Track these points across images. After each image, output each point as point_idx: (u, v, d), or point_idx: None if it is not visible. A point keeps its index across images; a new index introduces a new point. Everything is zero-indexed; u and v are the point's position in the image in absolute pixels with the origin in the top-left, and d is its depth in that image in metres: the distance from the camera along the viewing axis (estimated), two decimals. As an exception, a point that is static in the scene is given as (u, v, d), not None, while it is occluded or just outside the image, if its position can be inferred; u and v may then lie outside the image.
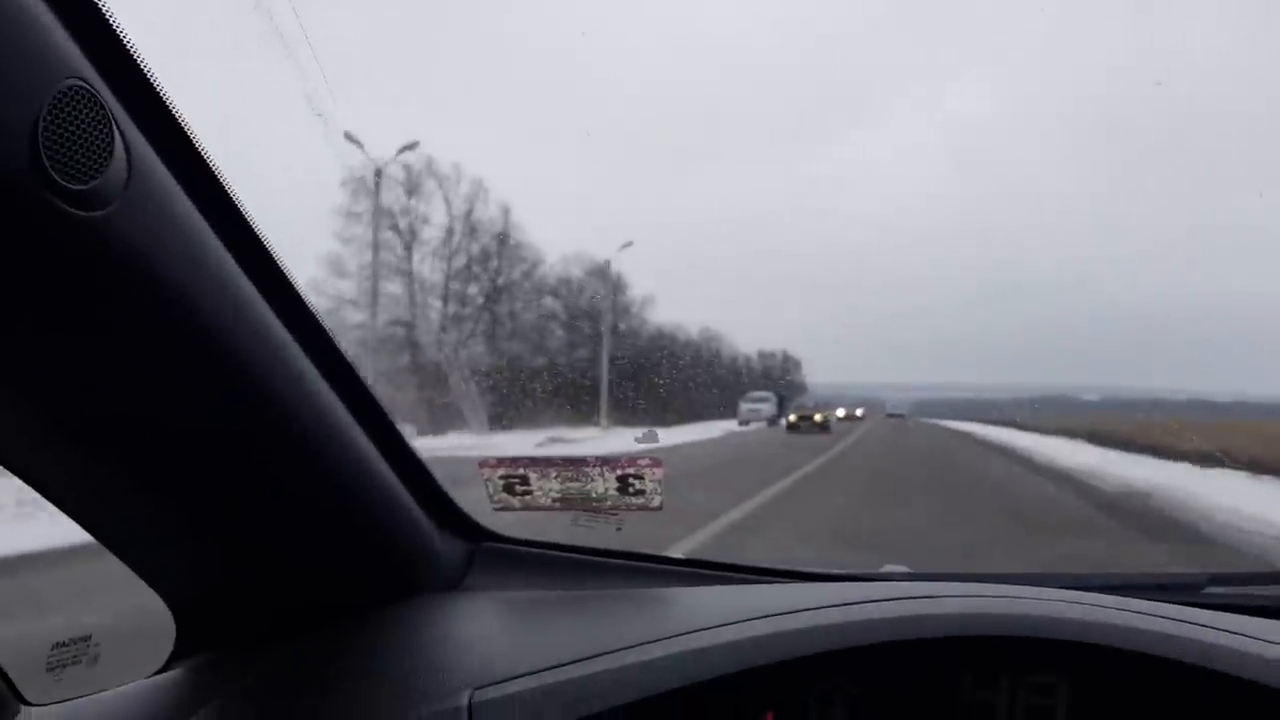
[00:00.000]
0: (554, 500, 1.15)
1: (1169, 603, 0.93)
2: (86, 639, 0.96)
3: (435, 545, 1.09)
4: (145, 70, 0.65)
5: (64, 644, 0.94)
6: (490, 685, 0.76)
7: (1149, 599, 0.94)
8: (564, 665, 0.78)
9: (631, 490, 1.13)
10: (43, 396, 0.70)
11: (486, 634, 0.96)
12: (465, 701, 0.74)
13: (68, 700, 0.91)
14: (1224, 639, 0.82)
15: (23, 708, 0.86)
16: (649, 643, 0.80)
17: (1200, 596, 1.20)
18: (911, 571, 1.29)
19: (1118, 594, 0.94)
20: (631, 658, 0.79)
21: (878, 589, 0.95)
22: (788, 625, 0.81)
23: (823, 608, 0.83)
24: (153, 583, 0.95)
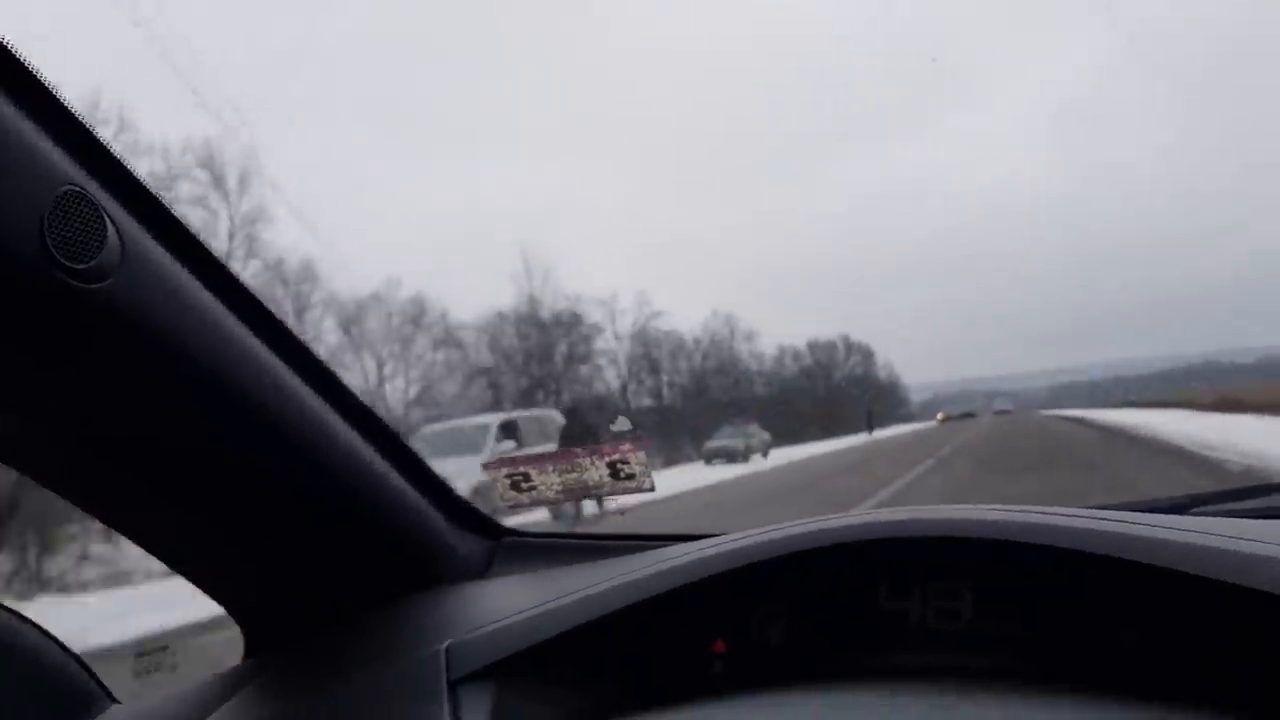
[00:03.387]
0: (557, 492, 1.29)
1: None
2: (164, 647, 1.14)
3: (454, 542, 1.24)
4: (126, 166, 0.83)
5: (146, 653, 1.12)
6: (468, 633, 0.90)
7: None
8: (533, 608, 0.92)
9: (622, 475, 1.27)
10: (88, 437, 0.88)
11: (503, 602, 1.10)
12: (443, 646, 0.88)
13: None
14: (1150, 532, 0.81)
15: (112, 705, 1.04)
16: (616, 579, 0.93)
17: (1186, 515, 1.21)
18: None
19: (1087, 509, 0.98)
20: (593, 592, 0.92)
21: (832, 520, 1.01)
22: (727, 547, 0.92)
23: (765, 533, 0.94)
24: (215, 595, 1.12)
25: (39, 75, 0.76)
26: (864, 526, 0.89)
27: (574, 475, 1.28)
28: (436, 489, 1.23)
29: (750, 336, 50.86)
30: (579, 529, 1.44)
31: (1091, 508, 1.01)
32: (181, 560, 1.07)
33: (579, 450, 1.26)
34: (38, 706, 0.96)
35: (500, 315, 37.36)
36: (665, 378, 45.90)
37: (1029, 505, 0.91)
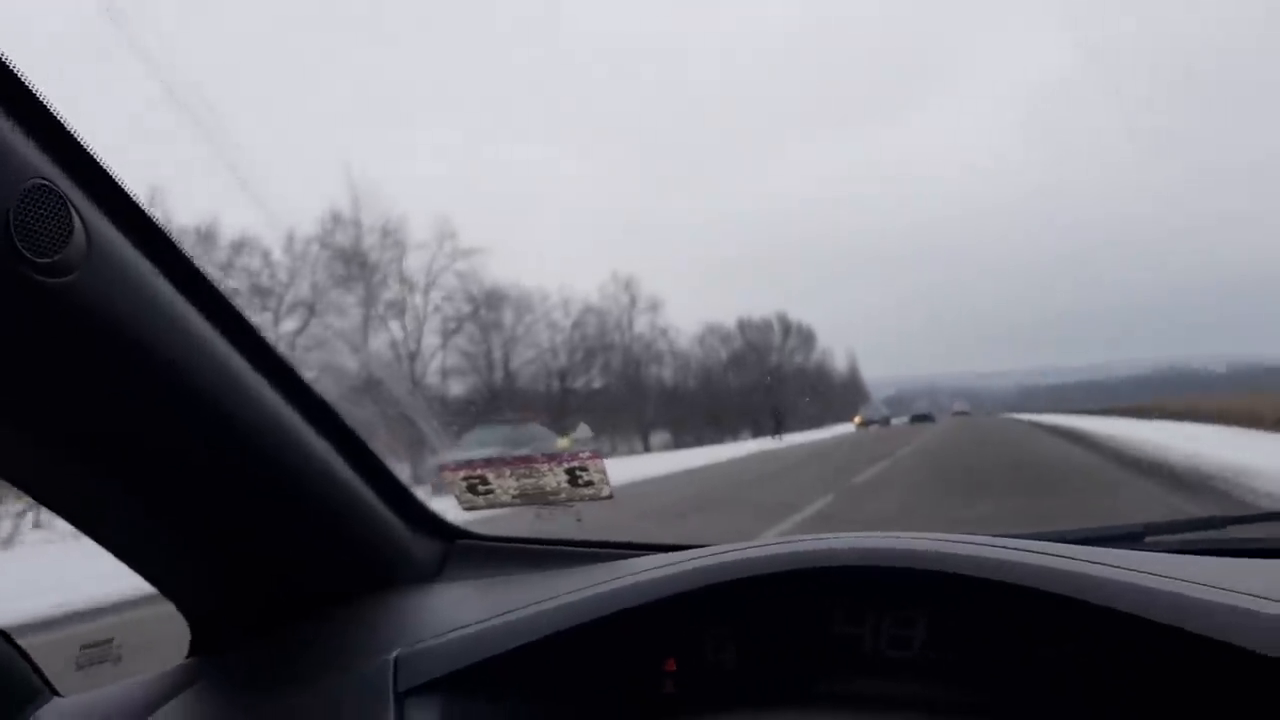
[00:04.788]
0: (514, 496, 1.30)
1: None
2: (110, 641, 1.13)
3: (408, 544, 1.23)
4: (96, 160, 0.82)
5: (90, 645, 1.11)
6: (417, 643, 0.90)
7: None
8: (485, 620, 0.92)
9: (581, 481, 1.27)
10: (51, 432, 0.87)
11: (456, 607, 1.10)
12: (392, 656, 0.88)
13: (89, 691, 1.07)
14: (1099, 570, 0.83)
15: (54, 698, 1.02)
16: (570, 593, 0.94)
17: (1140, 546, 1.17)
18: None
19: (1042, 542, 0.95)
20: (546, 607, 0.92)
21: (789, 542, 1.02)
22: (685, 566, 0.94)
23: (722, 553, 0.95)
24: (164, 590, 1.11)
25: (10, 64, 0.75)
26: (822, 553, 0.90)
27: (531, 480, 1.28)
28: (393, 489, 1.23)
29: (655, 307, 41.61)
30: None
31: (1047, 535, 1.03)
32: (132, 553, 1.06)
33: (538, 456, 1.27)
34: None
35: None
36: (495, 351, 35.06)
37: (983, 534, 0.93)
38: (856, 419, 39.26)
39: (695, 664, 0.92)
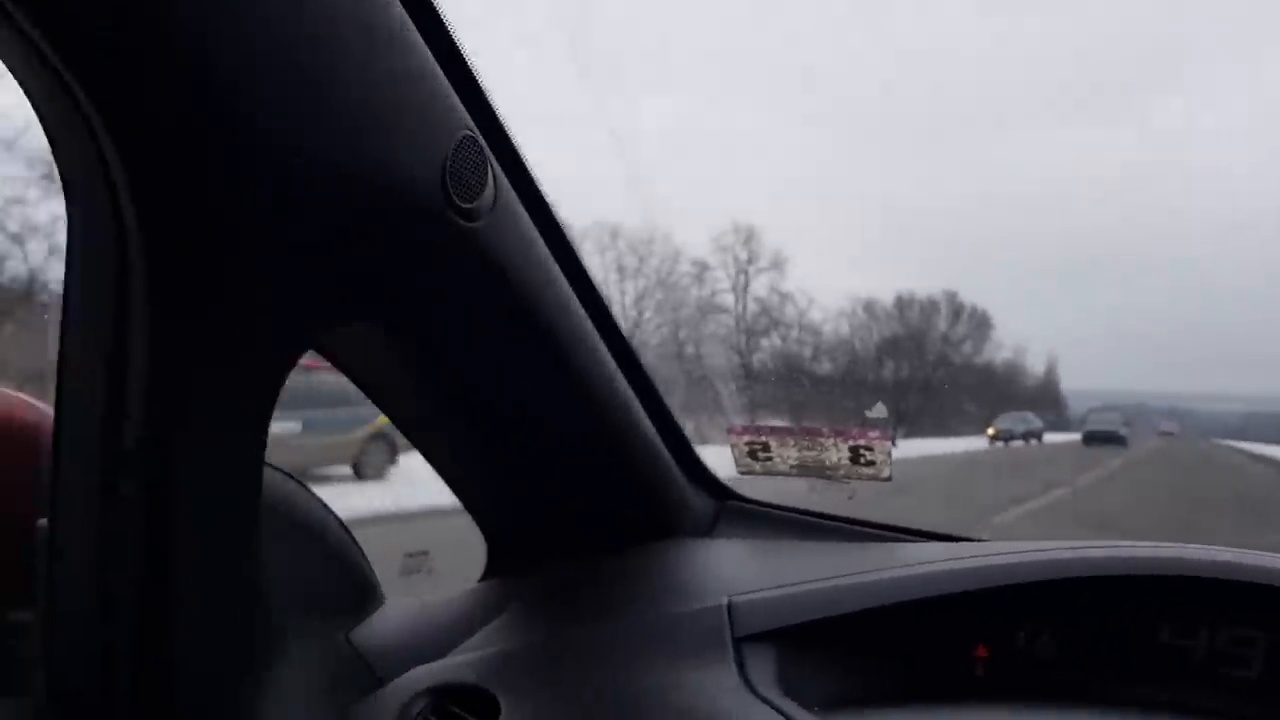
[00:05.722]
0: (791, 466, 1.33)
1: None
2: (426, 553, 1.24)
3: (689, 498, 1.29)
4: (506, 126, 0.89)
5: (412, 554, 1.22)
6: (744, 593, 0.95)
7: None
8: (804, 582, 0.96)
9: (863, 460, 1.29)
10: (427, 363, 0.97)
11: (738, 564, 1.15)
12: (725, 602, 0.93)
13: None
14: None
15: (386, 602, 1.13)
16: (873, 571, 0.97)
17: None
18: None
19: None
20: (859, 579, 0.95)
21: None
22: (996, 561, 0.95)
23: (1030, 552, 0.96)
24: (475, 513, 1.21)
25: (445, 19, 0.83)
26: (1151, 561, 0.89)
27: (813, 453, 1.31)
28: (681, 444, 1.28)
29: (778, 264, 33.63)
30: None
31: None
32: (459, 479, 1.16)
33: (825, 429, 1.29)
34: (327, 592, 1.06)
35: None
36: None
37: None
38: (990, 429, 30.26)
39: (1008, 651, 0.93)
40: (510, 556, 1.25)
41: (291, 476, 1.01)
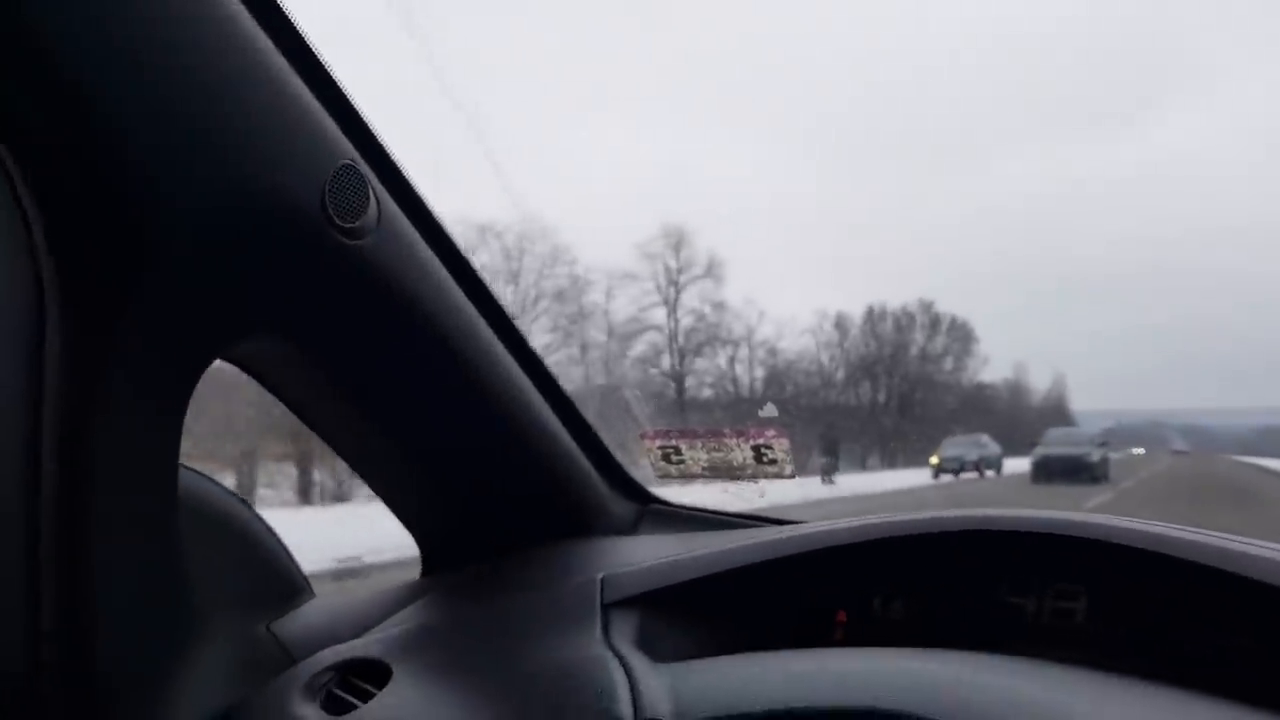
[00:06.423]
0: (703, 468, 1.42)
1: None
2: (359, 557, 1.33)
3: (608, 500, 1.38)
4: (388, 150, 1.00)
5: (343, 559, 1.31)
6: (619, 568, 1.04)
7: None
8: (675, 555, 1.05)
9: (765, 459, 1.38)
10: (339, 374, 1.07)
11: (635, 553, 1.23)
12: (599, 576, 1.02)
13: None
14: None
15: (313, 598, 1.22)
16: (751, 540, 1.06)
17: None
18: None
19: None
20: (718, 548, 1.04)
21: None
22: (856, 523, 1.03)
23: (898, 519, 1.04)
24: (402, 516, 1.30)
25: (325, 62, 0.94)
26: (1007, 519, 0.97)
27: (720, 455, 1.40)
28: (599, 451, 1.37)
29: (713, 271, 31.36)
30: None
31: None
32: (382, 484, 1.25)
33: (727, 430, 1.38)
34: (248, 587, 1.15)
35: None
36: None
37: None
38: (933, 458, 24.77)
39: (864, 616, 1.01)
40: (440, 557, 1.33)
41: (215, 482, 1.11)
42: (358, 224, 0.94)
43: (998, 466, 24.71)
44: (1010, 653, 0.90)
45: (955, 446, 25.41)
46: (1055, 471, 19.36)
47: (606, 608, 0.96)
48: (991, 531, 0.98)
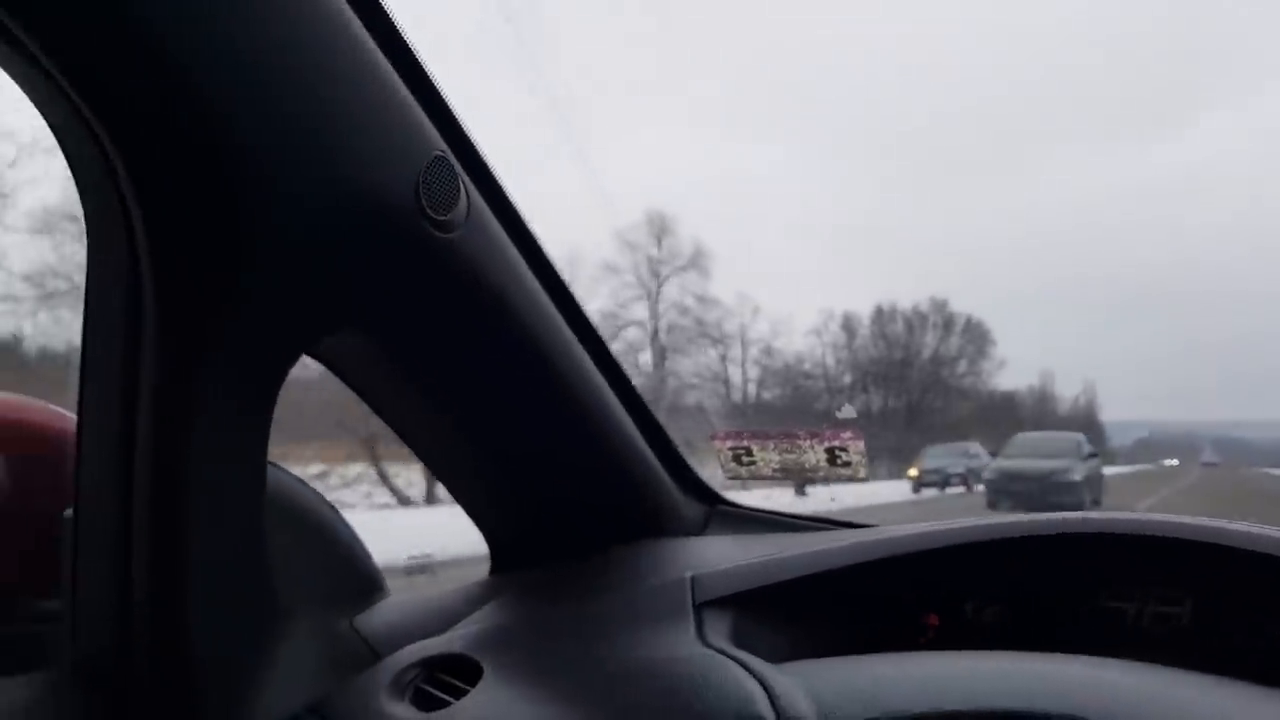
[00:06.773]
0: (774, 470, 1.40)
1: None
2: (429, 555, 1.33)
3: (678, 502, 1.37)
4: (473, 142, 1.00)
5: (415, 556, 1.31)
6: (709, 569, 1.02)
7: None
8: (763, 557, 1.03)
9: (839, 461, 1.36)
10: (415, 368, 1.06)
11: (718, 553, 1.22)
12: (689, 575, 1.01)
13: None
14: None
15: (387, 596, 1.22)
16: (840, 541, 1.04)
17: None
18: None
19: None
20: (813, 549, 1.03)
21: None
22: (945, 527, 1.02)
23: (984, 523, 1.02)
24: (473, 514, 1.30)
25: (418, 52, 0.94)
26: (1103, 522, 0.96)
27: (793, 456, 1.39)
28: (671, 453, 1.36)
29: (698, 262, 29.30)
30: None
31: None
32: (455, 481, 1.25)
33: (800, 432, 1.37)
34: (331, 583, 1.15)
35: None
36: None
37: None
38: (912, 469, 22.35)
39: (956, 620, 1.00)
40: (510, 555, 1.33)
41: (297, 478, 1.11)
42: (449, 216, 0.94)
43: (964, 484, 20.94)
44: (1117, 657, 0.88)
45: (938, 456, 22.49)
46: (1018, 494, 14.41)
47: (699, 607, 0.95)
48: (1087, 534, 0.97)
